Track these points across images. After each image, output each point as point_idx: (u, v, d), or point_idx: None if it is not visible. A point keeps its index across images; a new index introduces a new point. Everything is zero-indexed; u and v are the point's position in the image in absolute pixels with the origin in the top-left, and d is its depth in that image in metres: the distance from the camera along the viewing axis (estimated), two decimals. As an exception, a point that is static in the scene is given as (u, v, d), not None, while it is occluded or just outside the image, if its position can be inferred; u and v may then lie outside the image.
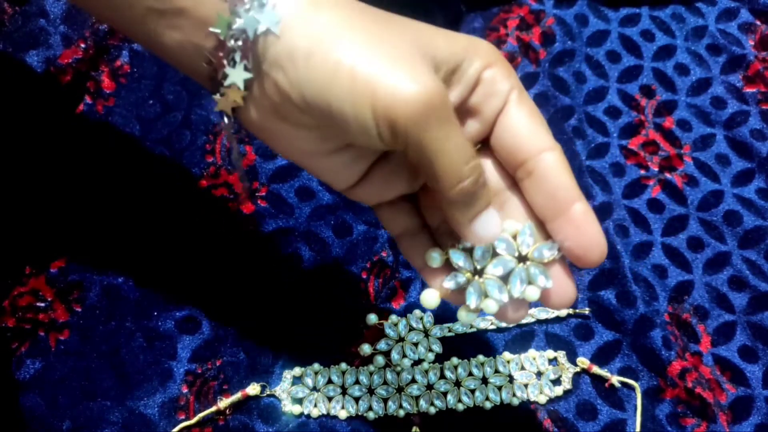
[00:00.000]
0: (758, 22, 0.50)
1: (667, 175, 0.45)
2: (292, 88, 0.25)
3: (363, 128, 0.25)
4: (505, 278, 0.28)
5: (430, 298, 0.28)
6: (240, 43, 0.26)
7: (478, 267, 0.28)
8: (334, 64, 0.25)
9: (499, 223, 0.27)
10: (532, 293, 0.27)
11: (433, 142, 0.24)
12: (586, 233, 0.26)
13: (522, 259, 0.28)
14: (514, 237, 0.28)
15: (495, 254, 0.28)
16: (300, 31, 0.25)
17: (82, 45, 0.45)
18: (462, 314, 0.28)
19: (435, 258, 0.28)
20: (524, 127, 0.27)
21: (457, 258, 0.28)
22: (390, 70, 0.24)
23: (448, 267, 0.29)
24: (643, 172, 0.45)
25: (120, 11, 0.28)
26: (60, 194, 0.42)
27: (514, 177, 0.28)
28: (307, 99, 0.25)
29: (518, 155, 0.27)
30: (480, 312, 0.28)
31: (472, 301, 0.27)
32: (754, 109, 0.47)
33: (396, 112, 0.24)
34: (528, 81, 0.48)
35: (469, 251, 0.28)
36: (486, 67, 0.27)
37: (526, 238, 0.27)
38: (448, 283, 0.28)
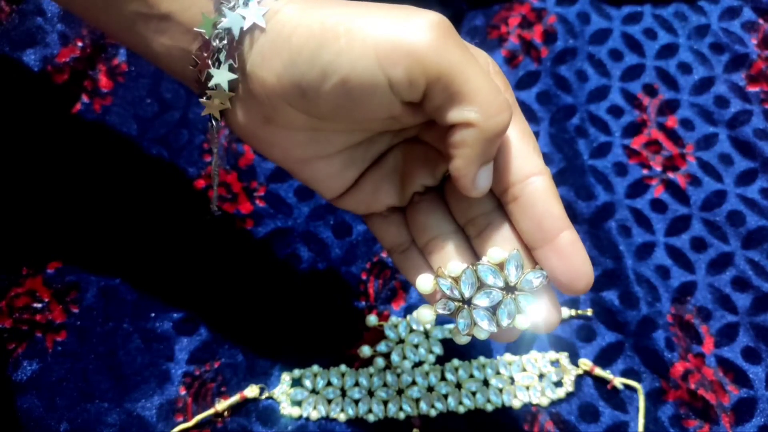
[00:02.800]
0: (761, 21, 0.49)
1: (670, 175, 0.44)
2: (279, 79, 0.25)
3: (368, 84, 0.23)
4: (494, 308, 0.27)
5: (426, 315, 0.27)
6: (225, 42, 0.25)
7: (466, 296, 0.27)
8: (323, 24, 0.24)
9: (491, 179, 0.26)
10: (522, 322, 0.27)
11: (459, 64, 0.23)
12: (573, 263, 0.25)
13: (510, 289, 0.27)
14: (501, 266, 0.27)
15: (482, 284, 0.27)
16: (281, 17, 0.25)
17: (80, 44, 0.45)
18: (455, 336, 0.28)
19: (425, 286, 0.27)
20: (514, 148, 0.26)
21: (445, 287, 0.27)
22: (388, 16, 0.23)
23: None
24: (645, 171, 0.44)
25: (108, 16, 0.28)
26: (56, 194, 0.41)
27: (499, 199, 0.27)
28: (297, 79, 0.24)
29: (506, 178, 0.26)
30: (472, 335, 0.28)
31: (463, 328, 0.27)
32: (757, 109, 0.47)
33: (409, 47, 0.23)
34: (529, 79, 0.47)
35: (455, 279, 0.27)
36: None
37: (513, 268, 0.27)
38: (440, 309, 0.27)
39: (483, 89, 0.23)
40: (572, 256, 0.25)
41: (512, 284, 0.27)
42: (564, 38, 0.49)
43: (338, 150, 0.28)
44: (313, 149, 0.27)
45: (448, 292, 0.27)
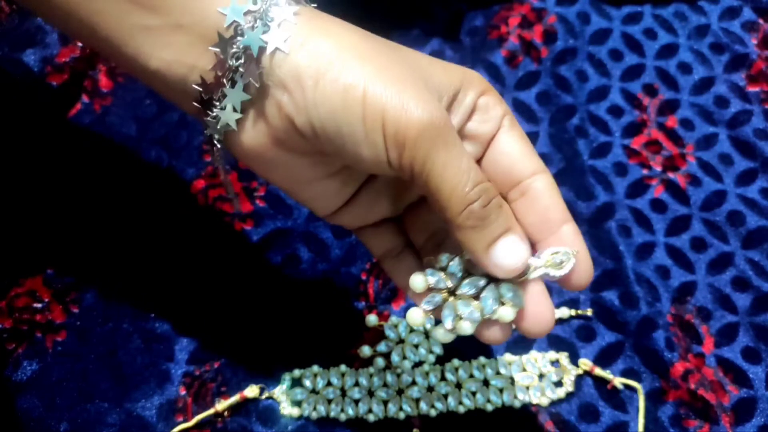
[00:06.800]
0: (761, 21, 0.49)
1: (670, 175, 0.44)
2: (297, 112, 0.25)
3: (374, 153, 0.25)
4: (478, 298, 0.27)
5: (416, 317, 0.28)
6: (242, 61, 0.25)
7: (451, 286, 0.27)
8: (345, 88, 0.24)
9: (524, 251, 0.26)
10: (506, 314, 0.27)
11: (439, 163, 0.25)
12: (576, 256, 0.27)
13: (495, 279, 0.27)
14: None
15: (470, 274, 0.27)
16: (307, 52, 0.25)
17: (80, 43, 0.45)
18: (439, 333, 0.27)
19: (418, 284, 0.28)
20: (518, 150, 0.28)
21: (432, 277, 0.27)
22: (399, 94, 0.25)
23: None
24: (645, 171, 0.44)
25: (103, 30, 0.26)
26: (56, 194, 0.41)
27: (505, 197, 0.28)
28: (313, 123, 0.25)
29: (513, 176, 0.28)
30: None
31: (447, 321, 0.27)
32: (757, 109, 0.47)
33: (405, 132, 0.24)
34: (529, 79, 0.47)
35: (444, 269, 0.27)
36: (481, 95, 0.28)
37: None
38: (426, 305, 0.27)
39: (453, 190, 0.25)
40: (575, 247, 0.27)
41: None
42: (564, 38, 0.49)
43: (339, 170, 0.28)
44: (316, 171, 0.28)
45: (433, 282, 0.27)
